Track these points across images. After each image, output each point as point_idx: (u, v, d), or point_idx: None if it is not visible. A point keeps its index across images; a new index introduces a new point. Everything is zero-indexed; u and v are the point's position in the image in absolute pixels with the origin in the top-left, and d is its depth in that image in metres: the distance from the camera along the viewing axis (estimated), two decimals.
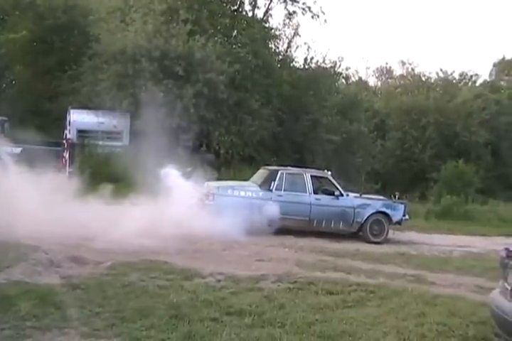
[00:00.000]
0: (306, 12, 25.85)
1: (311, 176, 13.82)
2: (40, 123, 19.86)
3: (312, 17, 25.96)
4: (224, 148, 20.78)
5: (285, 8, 26.13)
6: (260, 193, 13.21)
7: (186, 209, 11.64)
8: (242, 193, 13.11)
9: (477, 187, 25.07)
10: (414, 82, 35.06)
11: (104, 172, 15.12)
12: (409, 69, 37.39)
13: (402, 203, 14.52)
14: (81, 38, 24.24)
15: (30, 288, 7.05)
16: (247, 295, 7.59)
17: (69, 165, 14.17)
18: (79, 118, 19.61)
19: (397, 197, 14.53)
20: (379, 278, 9.17)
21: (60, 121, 20.26)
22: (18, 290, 6.94)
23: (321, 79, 25.44)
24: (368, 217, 13.75)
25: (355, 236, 13.84)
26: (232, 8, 25.44)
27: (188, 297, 7.19)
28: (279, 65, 25.65)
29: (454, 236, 16.17)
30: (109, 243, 9.42)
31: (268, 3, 26.05)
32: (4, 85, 25.34)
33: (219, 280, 8.27)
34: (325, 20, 26.05)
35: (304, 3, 25.87)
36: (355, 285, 8.54)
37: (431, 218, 19.77)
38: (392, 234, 14.03)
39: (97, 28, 22.48)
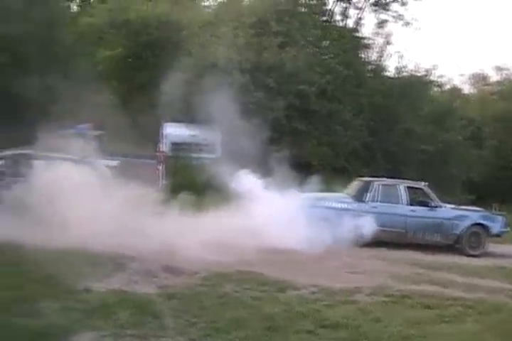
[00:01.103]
0: (398, 20, 25.59)
1: (406, 187, 13.54)
2: (135, 136, 20.44)
3: (404, 25, 25.67)
4: (316, 160, 20.73)
5: (376, 16, 25.95)
6: (354, 205, 13.06)
7: (278, 220, 11.64)
8: (336, 205, 13.01)
9: None
10: (511, 88, 33.79)
11: (196, 184, 15.37)
12: (506, 75, 36.07)
13: (500, 215, 14.00)
14: (173, 52, 24.84)
15: (128, 297, 7.26)
16: (342, 308, 7.50)
17: (163, 178, 14.51)
18: (172, 131, 20.04)
19: (496, 208, 14.01)
20: (477, 293, 8.81)
21: (154, 135, 20.78)
22: (116, 298, 7.15)
23: (414, 87, 24.98)
24: (466, 228, 13.32)
25: (451, 248, 13.41)
26: (323, 19, 25.43)
27: (283, 309, 7.17)
28: (370, 75, 25.39)
29: None
30: (202, 254, 9.55)
31: (359, 12, 25.94)
32: (101, 100, 26.28)
33: (313, 293, 8.20)
34: (417, 28, 25.71)
35: (395, 11, 25.65)
36: (452, 299, 8.28)
37: None
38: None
39: (189, 43, 22.98)
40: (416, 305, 7.87)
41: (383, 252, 12.19)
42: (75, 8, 32.28)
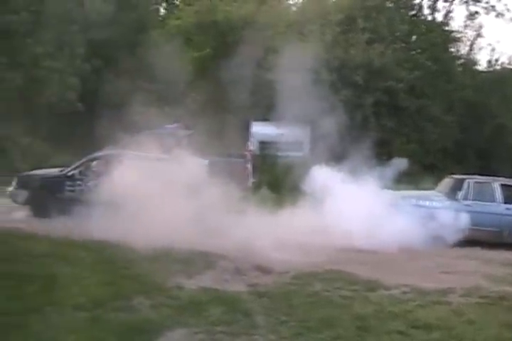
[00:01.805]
0: (489, 11, 24.76)
1: (501, 185, 13.06)
2: (223, 135, 20.69)
3: (496, 16, 24.82)
4: (404, 157, 20.35)
5: (467, 9, 25.19)
6: (446, 203, 12.71)
7: (366, 218, 11.50)
8: (427, 203, 12.70)
9: None
10: None
11: (284, 182, 15.41)
12: None
13: None
14: (256, 52, 24.98)
15: (219, 295, 7.35)
16: (434, 309, 7.31)
17: (251, 176, 14.59)
18: (260, 130, 20.18)
19: None
20: None
21: (242, 134, 20.97)
22: (207, 296, 7.26)
23: (506, 81, 24.12)
24: None
25: None
26: (411, 13, 24.93)
27: (374, 309, 7.07)
28: (460, 69, 24.70)
29: None
30: (290, 252, 9.56)
31: (448, 5, 25.26)
32: (190, 100, 26.79)
33: (404, 293, 8.03)
34: (511, 19, 24.78)
35: (487, 3, 24.78)
36: None
37: None
38: None
39: (276, 42, 23.05)
40: None
41: (476, 252, 11.77)
42: (162, 11, 33.07)
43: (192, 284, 7.79)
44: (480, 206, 12.69)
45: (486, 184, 13.10)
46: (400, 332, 6.23)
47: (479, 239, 12.40)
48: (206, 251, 9.34)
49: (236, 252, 9.40)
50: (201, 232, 9.76)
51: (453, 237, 11.95)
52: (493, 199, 12.85)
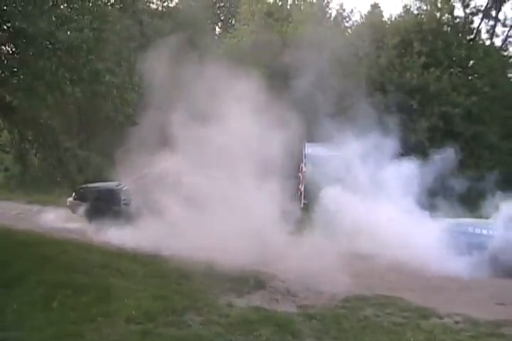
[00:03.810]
0: None
1: None
2: (279, 156, 20.68)
3: None
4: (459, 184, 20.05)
5: None
6: (501, 231, 12.41)
7: (421, 245, 11.35)
8: (484, 231, 12.43)
9: None
10: None
11: None
12: None
13: None
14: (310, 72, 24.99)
15: (269, 315, 7.35)
16: None
17: (304, 198, 14.56)
18: (313, 151, 20.14)
19: None
20: None
21: (296, 154, 20.94)
22: (257, 315, 7.28)
23: None
24: None
25: None
26: (468, 38, 24.69)
27: (425, 337, 6.98)
28: None
29: None
30: (341, 275, 9.47)
31: (508, 30, 24.95)
32: None
33: (457, 322, 7.85)
34: None
35: None
36: None
37: None
38: None
39: (331, 63, 23.06)
40: None
41: None
42: (218, 30, 33.56)
43: (242, 303, 7.82)
44: None
45: None
46: None
47: None
48: (258, 270, 9.33)
49: (285, 272, 9.38)
50: (254, 251, 9.74)
51: (506, 267, 11.68)
52: None
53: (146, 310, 6.94)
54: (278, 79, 26.19)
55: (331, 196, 12.10)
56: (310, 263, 9.48)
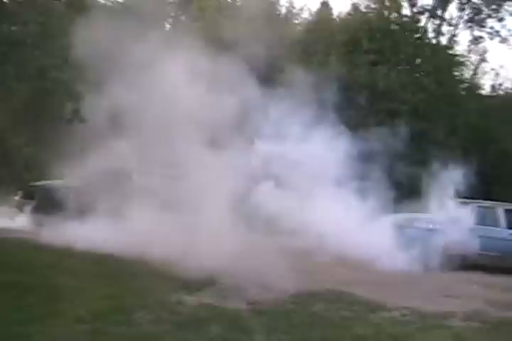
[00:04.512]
0: (494, 37, 24.94)
1: (505, 210, 13.10)
2: None
3: (501, 41, 24.99)
4: (406, 179, 20.35)
5: (471, 33, 25.39)
6: (450, 227, 12.71)
7: (369, 241, 11.51)
8: (430, 226, 12.70)
9: None
10: None
11: None
12: None
13: None
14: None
15: (219, 312, 7.34)
16: (435, 333, 7.27)
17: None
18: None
19: None
20: None
21: None
22: (207, 312, 7.26)
23: (510, 106, 24.21)
24: None
25: None
26: (416, 36, 25.09)
27: (374, 330, 7.05)
28: (464, 93, 24.80)
29: None
30: (292, 271, 9.53)
31: (453, 29, 25.44)
32: None
33: (405, 315, 7.98)
34: None
35: (491, 28, 24.95)
36: None
37: None
38: None
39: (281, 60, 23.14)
40: None
41: (479, 276, 11.74)
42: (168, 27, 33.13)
43: (192, 300, 7.78)
44: (483, 231, 12.69)
45: (490, 209, 13.13)
46: None
47: (482, 263, 12.40)
48: (207, 267, 9.29)
49: (236, 269, 9.37)
50: (203, 248, 9.70)
51: (455, 261, 11.97)
52: (496, 224, 12.86)
53: (95, 309, 6.83)
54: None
55: (269, 191, 12.01)
56: (258, 260, 9.47)
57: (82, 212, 11.39)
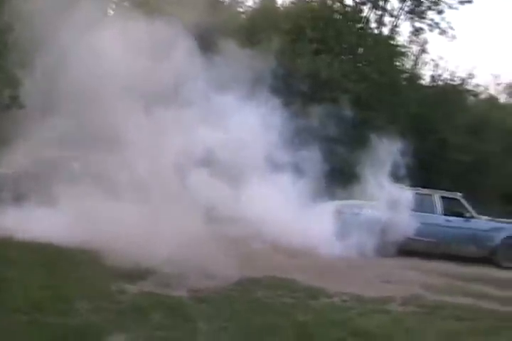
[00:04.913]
0: (433, 28, 25.39)
1: (441, 197, 13.47)
2: None
3: (440, 33, 25.47)
4: (347, 166, 20.60)
5: (412, 25, 25.76)
6: (387, 213, 12.97)
7: (310, 227, 11.63)
8: (369, 212, 12.93)
9: None
10: None
11: None
12: None
13: None
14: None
15: (161, 300, 7.30)
16: (374, 317, 7.46)
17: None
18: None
19: None
20: None
21: None
22: (149, 301, 7.21)
23: (449, 97, 24.75)
24: (501, 241, 13.18)
25: (486, 260, 13.26)
26: (358, 26, 25.32)
27: (314, 316, 7.16)
28: (405, 83, 25.21)
29: None
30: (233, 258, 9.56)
31: (394, 20, 25.77)
32: None
33: (345, 301, 8.17)
34: (453, 36, 25.44)
35: (431, 20, 25.35)
36: (487, 312, 8.18)
37: None
38: None
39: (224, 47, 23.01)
40: (449, 316, 7.79)
41: (416, 262, 12.09)
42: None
43: (134, 289, 7.72)
44: (420, 217, 13.00)
45: (426, 196, 13.47)
46: (340, 340, 6.31)
47: (419, 249, 12.75)
48: (149, 256, 9.21)
49: (178, 257, 9.33)
50: (144, 236, 9.61)
51: (393, 247, 12.23)
52: (433, 211, 13.20)
53: (34, 299, 6.68)
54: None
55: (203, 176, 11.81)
56: (198, 248, 9.46)
57: (20, 199, 11.10)
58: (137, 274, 8.33)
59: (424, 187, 14.60)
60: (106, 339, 5.83)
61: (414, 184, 15.20)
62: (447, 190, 14.62)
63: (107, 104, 10.42)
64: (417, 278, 10.43)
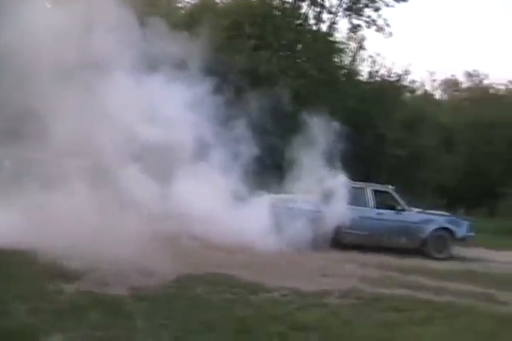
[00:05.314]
0: (370, 25, 25.80)
1: (373, 190, 13.76)
2: None
3: (377, 30, 25.89)
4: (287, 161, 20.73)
5: (349, 21, 26.11)
6: (321, 206, 13.15)
7: (245, 221, 11.65)
8: (303, 206, 13.05)
9: None
10: (482, 95, 34.39)
11: None
12: (477, 82, 36.70)
13: (466, 219, 14.33)
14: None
15: (99, 299, 7.19)
16: (313, 311, 7.53)
17: None
18: None
19: (464, 213, 14.36)
20: (446, 296, 8.92)
21: None
22: (87, 300, 7.09)
23: (386, 92, 25.22)
24: (431, 232, 13.58)
25: (418, 252, 13.63)
26: (297, 23, 25.48)
27: (254, 311, 7.18)
28: (343, 79, 25.52)
29: None
30: (174, 255, 9.52)
31: (332, 16, 26.05)
32: None
33: (284, 295, 8.23)
34: (390, 33, 25.91)
35: (368, 17, 25.78)
36: (423, 302, 8.38)
37: (500, 235, 19.24)
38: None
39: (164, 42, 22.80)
40: (386, 307, 7.93)
41: (353, 255, 12.33)
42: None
43: (72, 288, 7.58)
44: (353, 210, 13.22)
45: (359, 189, 13.71)
46: (279, 334, 6.33)
47: (352, 242, 13.01)
48: (86, 255, 9.07)
49: (116, 256, 9.23)
50: (80, 235, 9.44)
51: (327, 240, 12.43)
52: (365, 204, 13.47)
53: None
54: None
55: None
56: (136, 246, 9.37)
57: None
58: (75, 273, 8.19)
59: (362, 180, 14.85)
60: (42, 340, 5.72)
61: (352, 178, 15.46)
62: (385, 184, 14.93)
63: (30, 87, 9.98)
64: (355, 271, 10.65)
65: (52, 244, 8.69)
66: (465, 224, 14.04)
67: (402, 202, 13.85)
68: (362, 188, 13.82)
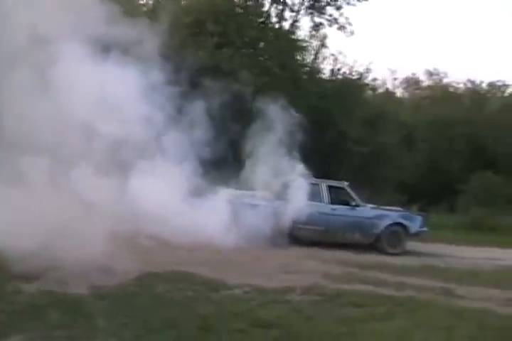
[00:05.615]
0: (332, 24, 25.93)
1: (328, 186, 13.89)
2: None
3: (339, 28, 26.04)
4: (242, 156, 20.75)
5: (311, 20, 26.21)
6: (276, 203, 13.18)
7: (200, 217, 11.59)
8: (257, 202, 13.08)
9: (507, 198, 24.71)
10: (442, 93, 34.86)
11: None
12: (437, 80, 37.16)
13: (419, 214, 14.59)
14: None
15: (60, 298, 7.13)
16: (274, 308, 7.56)
17: None
18: None
19: (418, 209, 14.60)
20: (407, 291, 9.07)
21: None
22: (47, 300, 7.02)
23: (347, 90, 25.37)
24: (385, 228, 13.76)
25: (373, 247, 13.80)
26: (259, 20, 25.50)
27: (215, 308, 7.20)
28: (305, 77, 25.61)
29: (483, 248, 15.98)
30: (134, 253, 9.44)
31: (295, 15, 26.13)
32: None
33: (246, 292, 8.26)
34: (351, 32, 26.08)
35: (330, 15, 25.89)
36: (383, 297, 8.49)
37: (459, 230, 19.59)
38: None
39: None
40: (347, 303, 8.01)
41: (316, 252, 12.42)
42: None
43: (31, 288, 7.49)
44: (310, 206, 13.30)
45: (314, 185, 13.80)
46: (241, 331, 6.36)
47: (307, 237, 13.10)
48: (47, 253, 8.92)
49: (76, 254, 9.10)
50: (44, 232, 9.26)
51: (283, 236, 12.49)
52: (320, 200, 13.59)
53: None
54: None
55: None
56: (96, 244, 9.25)
57: None
58: (34, 273, 8.07)
59: (323, 177, 14.94)
60: None
61: (313, 174, 15.54)
62: (346, 180, 15.03)
63: None
64: (316, 267, 10.72)
65: (9, 243, 8.55)
66: (418, 219, 14.29)
67: (356, 197, 14.02)
68: (317, 184, 13.93)
